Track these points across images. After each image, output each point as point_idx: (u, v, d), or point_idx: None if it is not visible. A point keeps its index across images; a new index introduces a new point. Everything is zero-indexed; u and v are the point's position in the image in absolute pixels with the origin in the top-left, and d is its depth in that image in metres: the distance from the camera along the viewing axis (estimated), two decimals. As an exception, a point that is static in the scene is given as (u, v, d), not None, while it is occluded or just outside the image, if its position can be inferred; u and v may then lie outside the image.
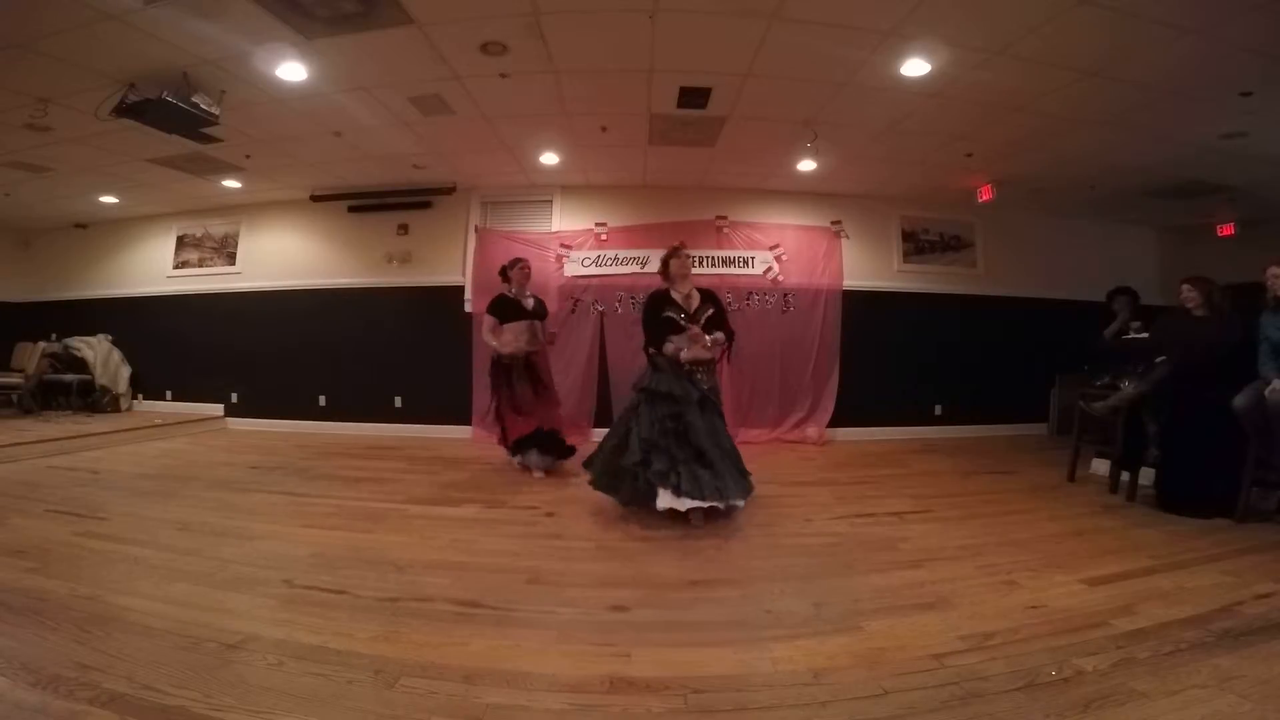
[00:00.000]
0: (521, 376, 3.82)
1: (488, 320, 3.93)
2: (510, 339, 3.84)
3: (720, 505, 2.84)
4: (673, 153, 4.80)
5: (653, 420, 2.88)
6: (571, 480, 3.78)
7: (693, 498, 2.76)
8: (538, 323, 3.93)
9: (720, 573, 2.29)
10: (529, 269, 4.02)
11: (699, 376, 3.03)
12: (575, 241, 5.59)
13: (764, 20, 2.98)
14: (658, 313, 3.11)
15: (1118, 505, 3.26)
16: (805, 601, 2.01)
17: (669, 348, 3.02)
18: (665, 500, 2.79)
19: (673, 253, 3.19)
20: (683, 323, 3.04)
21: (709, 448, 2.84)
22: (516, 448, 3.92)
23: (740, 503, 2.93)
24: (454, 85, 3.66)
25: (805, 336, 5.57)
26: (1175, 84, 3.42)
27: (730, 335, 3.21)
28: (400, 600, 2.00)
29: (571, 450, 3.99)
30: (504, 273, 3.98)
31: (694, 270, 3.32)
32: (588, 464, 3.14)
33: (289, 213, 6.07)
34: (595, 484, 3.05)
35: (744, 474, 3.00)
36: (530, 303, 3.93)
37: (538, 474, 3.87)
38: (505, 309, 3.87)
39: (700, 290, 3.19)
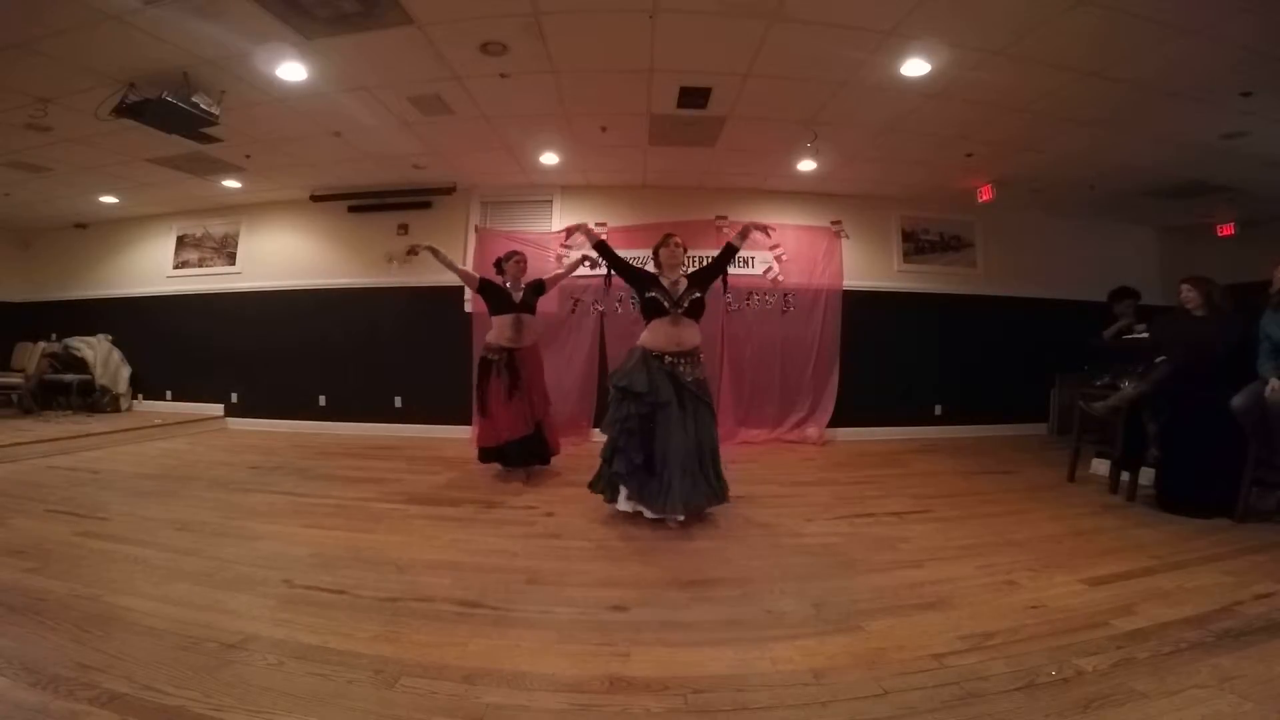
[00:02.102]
0: (500, 373, 3.74)
1: (476, 279, 3.93)
2: (495, 331, 3.81)
3: (672, 519, 2.82)
4: (673, 153, 4.80)
5: (614, 420, 2.93)
6: (571, 480, 3.78)
7: (642, 504, 2.89)
8: (525, 316, 3.82)
9: (720, 573, 2.29)
10: (524, 262, 3.95)
11: (682, 368, 2.96)
12: (575, 241, 5.57)
13: (764, 20, 2.98)
14: (643, 280, 3.10)
15: (1118, 505, 3.26)
16: (805, 601, 2.01)
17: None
18: (623, 502, 2.95)
19: (662, 242, 3.14)
20: (667, 307, 2.99)
21: (670, 453, 2.80)
22: (482, 456, 3.90)
23: (680, 517, 2.82)
24: (454, 85, 3.67)
25: (805, 336, 5.57)
26: (1175, 84, 3.42)
27: (729, 251, 3.24)
28: (400, 600, 2.00)
29: (544, 458, 3.92)
30: (499, 265, 3.94)
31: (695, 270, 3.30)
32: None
33: (289, 213, 6.08)
34: (592, 487, 3.13)
35: (713, 481, 2.94)
36: (519, 295, 3.85)
37: (522, 474, 3.81)
38: (495, 297, 3.83)
39: (687, 276, 3.15)
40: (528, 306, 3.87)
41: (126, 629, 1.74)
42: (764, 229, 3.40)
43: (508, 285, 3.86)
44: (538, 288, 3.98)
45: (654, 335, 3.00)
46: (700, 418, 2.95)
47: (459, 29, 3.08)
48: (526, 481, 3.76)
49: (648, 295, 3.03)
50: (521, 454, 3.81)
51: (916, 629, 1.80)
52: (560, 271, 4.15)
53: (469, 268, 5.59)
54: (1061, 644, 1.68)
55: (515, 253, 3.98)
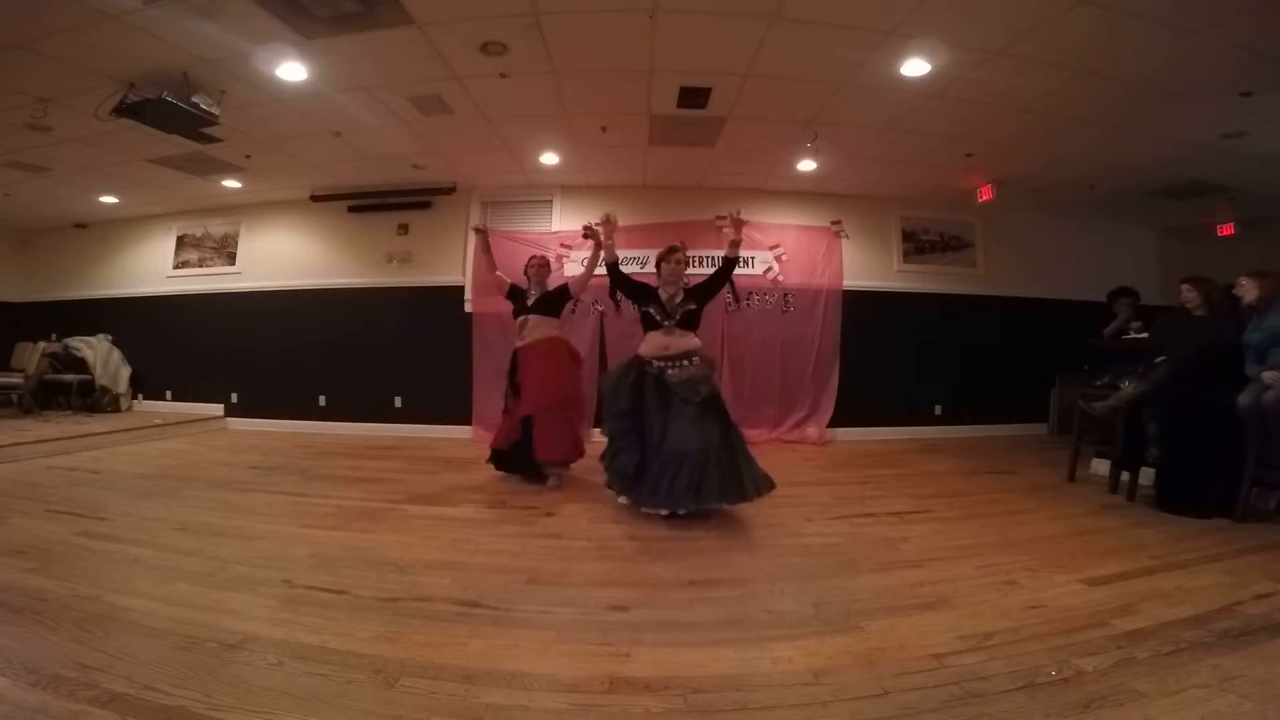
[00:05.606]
0: (514, 371, 3.77)
1: (507, 284, 3.92)
2: (516, 331, 3.85)
3: (656, 512, 2.89)
4: (673, 153, 4.80)
5: (608, 427, 3.12)
6: (570, 481, 3.78)
7: (632, 500, 2.99)
8: (532, 318, 3.74)
9: (720, 573, 2.29)
10: (537, 262, 3.87)
11: (671, 372, 3.01)
12: (575, 241, 5.56)
13: (764, 20, 2.98)
14: (640, 292, 3.18)
15: (1118, 505, 3.25)
16: (805, 601, 2.01)
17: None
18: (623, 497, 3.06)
19: (665, 255, 3.16)
20: (660, 320, 3.08)
21: (653, 456, 2.89)
22: (491, 457, 3.83)
23: (663, 512, 2.85)
24: (454, 85, 3.67)
25: (805, 336, 5.57)
26: (1175, 84, 3.42)
27: (728, 266, 3.20)
28: (400, 600, 2.00)
29: (533, 467, 3.66)
30: (525, 271, 3.96)
31: (694, 270, 3.32)
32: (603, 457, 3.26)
33: (289, 213, 6.07)
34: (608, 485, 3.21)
35: (732, 479, 2.85)
36: (532, 298, 3.80)
37: (551, 482, 3.65)
38: (515, 301, 3.86)
39: (686, 290, 3.17)
40: (543, 308, 3.77)
41: (126, 629, 1.74)
42: (740, 223, 3.20)
43: (530, 288, 3.86)
44: (563, 293, 3.82)
45: (647, 344, 3.12)
46: (687, 416, 2.88)
47: (459, 29, 3.08)
48: (558, 488, 3.61)
49: (644, 310, 3.13)
50: (518, 461, 3.69)
51: (916, 629, 1.80)
52: (583, 273, 3.83)
53: (468, 268, 5.62)
54: (1061, 644, 1.68)
55: (534, 256, 3.98)
